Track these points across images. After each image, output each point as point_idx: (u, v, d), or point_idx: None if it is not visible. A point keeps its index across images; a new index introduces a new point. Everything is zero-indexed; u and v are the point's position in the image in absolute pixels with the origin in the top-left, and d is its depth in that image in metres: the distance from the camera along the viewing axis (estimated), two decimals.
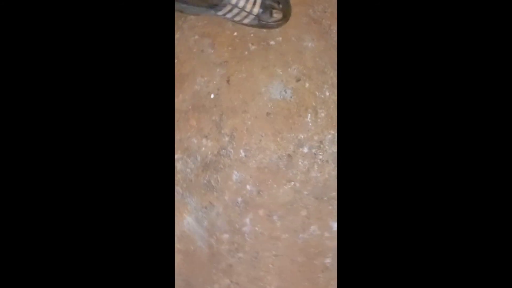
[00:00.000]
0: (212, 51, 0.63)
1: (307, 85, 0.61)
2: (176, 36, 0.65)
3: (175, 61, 0.64)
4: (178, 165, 0.60)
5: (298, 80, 0.62)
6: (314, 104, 0.61)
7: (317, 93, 0.61)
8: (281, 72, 0.62)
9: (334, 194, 0.60)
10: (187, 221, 0.59)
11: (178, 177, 0.60)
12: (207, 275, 0.58)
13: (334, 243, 0.60)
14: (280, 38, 0.63)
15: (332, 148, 0.60)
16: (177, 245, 0.59)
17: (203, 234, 0.59)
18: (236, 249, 0.59)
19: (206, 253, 0.59)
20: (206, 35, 0.64)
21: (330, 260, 0.59)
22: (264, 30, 0.62)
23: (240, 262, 0.59)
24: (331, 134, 0.60)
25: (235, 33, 0.63)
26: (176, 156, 0.60)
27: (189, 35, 0.65)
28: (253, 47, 0.63)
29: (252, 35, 0.64)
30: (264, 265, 0.59)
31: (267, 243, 0.59)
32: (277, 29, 0.61)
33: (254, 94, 0.61)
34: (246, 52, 0.63)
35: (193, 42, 0.64)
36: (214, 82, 0.62)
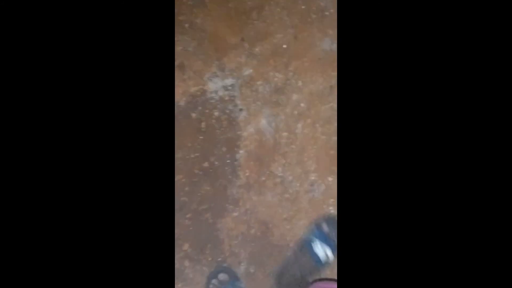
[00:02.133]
0: (288, 18, 0.97)
1: None
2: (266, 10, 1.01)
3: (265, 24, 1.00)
4: (259, 88, 0.96)
5: None
6: None
7: None
8: (331, 32, 0.94)
9: None
10: (262, 122, 0.95)
11: (259, 95, 0.96)
12: (271, 156, 0.94)
13: None
14: (332, 10, 0.94)
15: None
16: (255, 136, 0.95)
17: (271, 131, 0.95)
18: (290, 143, 0.93)
19: (272, 143, 0.94)
20: (285, 7, 0.99)
21: None
22: (322, 4, 0.94)
23: (292, 151, 0.93)
24: None
25: (303, 7, 0.96)
26: (258, 83, 0.96)
27: (275, 10, 1.00)
28: (314, 16, 0.96)
29: (314, 8, 0.96)
30: (307, 154, 0.92)
31: (310, 140, 0.92)
32: (330, 3, 0.92)
33: (311, 46, 0.94)
34: (309, 19, 0.96)
35: (277, 14, 0.99)
36: (286, 38, 0.96)
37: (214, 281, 0.86)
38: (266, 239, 0.91)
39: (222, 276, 0.87)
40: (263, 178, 0.94)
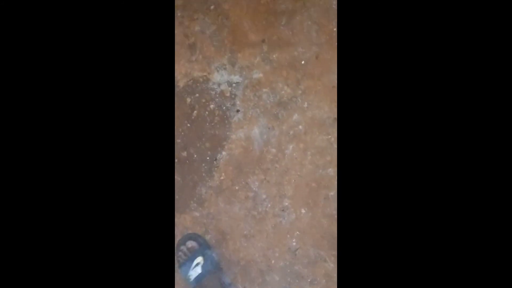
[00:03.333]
0: (316, 35, 0.92)
1: None
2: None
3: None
4: (263, 96, 0.91)
5: None
6: None
7: None
8: None
9: None
10: (254, 131, 0.90)
11: (260, 103, 0.91)
12: (252, 169, 0.89)
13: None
14: None
15: None
16: (243, 142, 0.90)
17: (260, 143, 0.90)
18: (276, 161, 0.89)
19: (257, 155, 0.90)
20: (317, 23, 0.93)
21: (333, 193, 0.85)
22: None
23: (275, 170, 0.89)
24: None
25: (335, 29, 0.91)
26: (264, 89, 0.91)
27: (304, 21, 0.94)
28: None
29: None
30: (288, 178, 0.88)
31: (297, 165, 0.88)
32: None
33: (330, 71, 0.89)
34: (336, 44, 0.91)
35: (306, 27, 0.94)
36: (308, 55, 0.91)
37: (182, 247, 0.83)
38: (218, 249, 0.87)
39: (190, 244, 0.83)
40: (236, 187, 0.89)
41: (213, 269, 0.81)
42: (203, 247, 0.83)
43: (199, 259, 0.80)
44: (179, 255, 0.83)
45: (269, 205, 0.87)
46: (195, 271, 0.79)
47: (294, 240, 0.86)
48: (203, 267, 0.80)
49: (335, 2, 0.90)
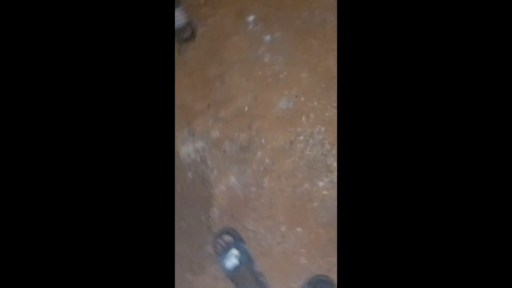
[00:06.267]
0: (247, 84, 1.07)
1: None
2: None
3: None
4: (227, 148, 1.04)
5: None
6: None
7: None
8: (286, 93, 1.03)
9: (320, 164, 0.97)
10: (231, 179, 1.02)
11: (227, 155, 1.04)
12: (242, 211, 0.99)
13: (323, 193, 0.96)
14: (286, 73, 1.04)
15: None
16: (226, 193, 1.01)
17: (240, 187, 1.01)
18: (259, 197, 0.99)
19: (242, 198, 1.00)
20: (244, 75, 1.09)
21: (316, 204, 0.95)
22: (276, 68, 1.04)
23: (262, 205, 0.99)
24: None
25: (259, 72, 1.06)
26: (225, 143, 1.04)
27: None
28: (270, 79, 1.06)
29: (269, 73, 1.06)
30: (275, 207, 0.98)
31: (277, 193, 0.98)
32: (284, 67, 1.03)
33: (270, 106, 1.03)
34: (265, 82, 1.06)
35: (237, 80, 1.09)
36: (247, 101, 1.05)
37: (219, 240, 0.96)
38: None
39: (226, 237, 0.96)
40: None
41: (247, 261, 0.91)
42: (238, 241, 0.95)
43: (235, 251, 0.92)
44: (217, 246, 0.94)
45: (270, 237, 0.97)
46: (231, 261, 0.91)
47: (303, 258, 0.94)
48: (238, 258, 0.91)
49: (259, 53, 1.07)
